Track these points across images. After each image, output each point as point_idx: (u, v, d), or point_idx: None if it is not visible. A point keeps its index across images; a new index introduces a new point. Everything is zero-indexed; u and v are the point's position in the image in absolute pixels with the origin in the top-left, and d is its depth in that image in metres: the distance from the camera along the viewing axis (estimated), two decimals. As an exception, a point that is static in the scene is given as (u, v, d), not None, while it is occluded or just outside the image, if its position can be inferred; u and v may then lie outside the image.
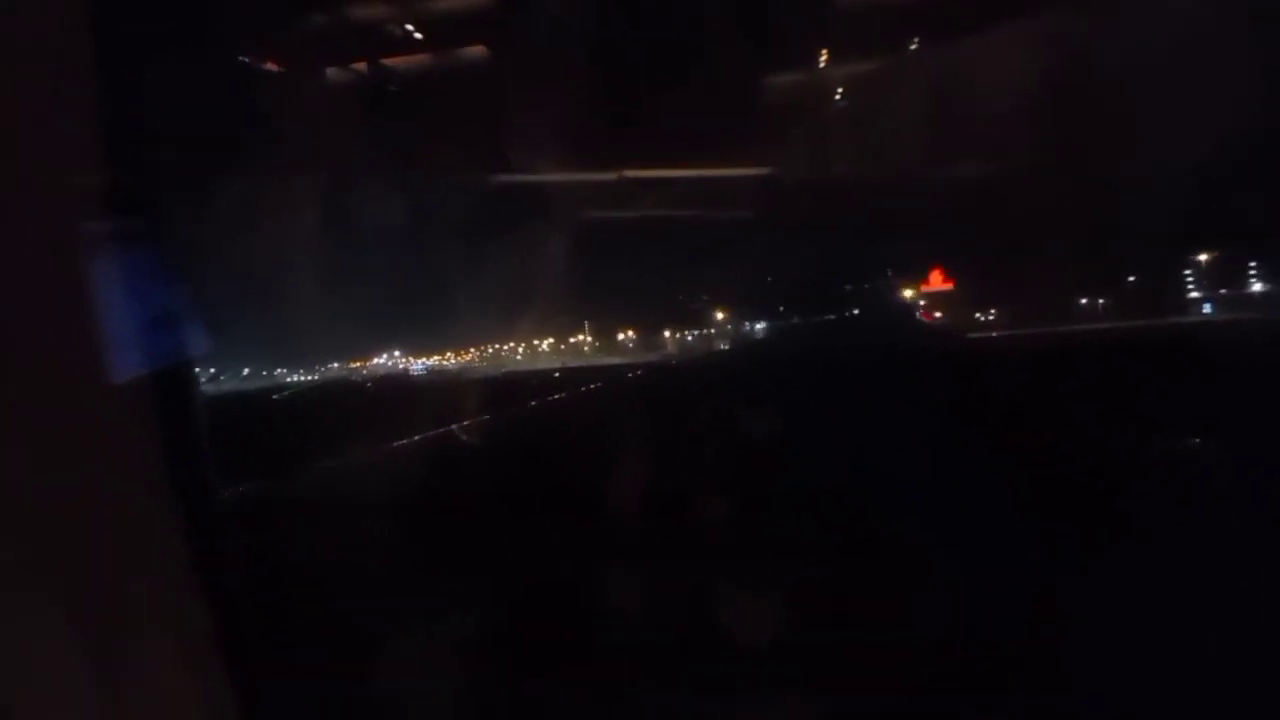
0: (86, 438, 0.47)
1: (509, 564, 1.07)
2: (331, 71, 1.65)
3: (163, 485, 0.49)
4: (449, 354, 4.13)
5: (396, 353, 3.79)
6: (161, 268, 0.57)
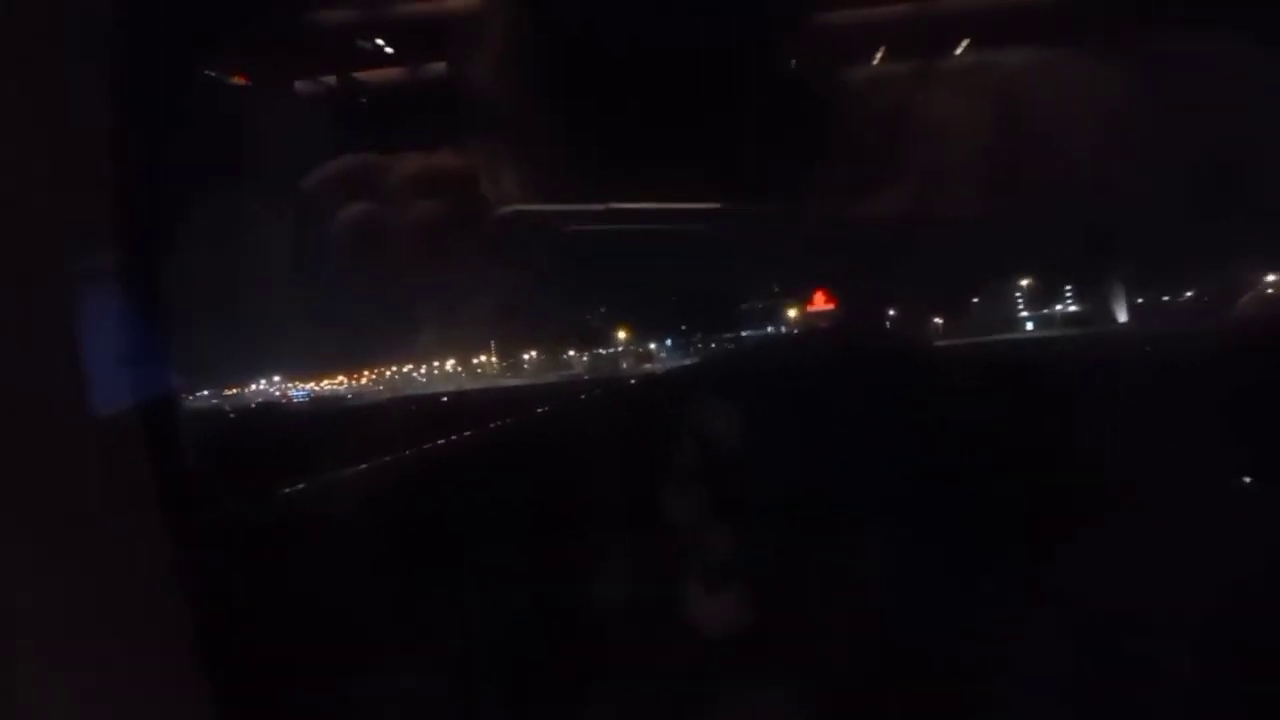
0: (74, 470, 0.52)
1: (493, 585, 1.07)
2: (294, 85, 1.51)
3: (149, 512, 0.54)
4: (340, 377, 3.72)
5: (276, 377, 3.32)
6: (143, 301, 0.60)
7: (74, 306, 0.52)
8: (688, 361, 3.29)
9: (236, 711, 0.59)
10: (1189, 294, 2.08)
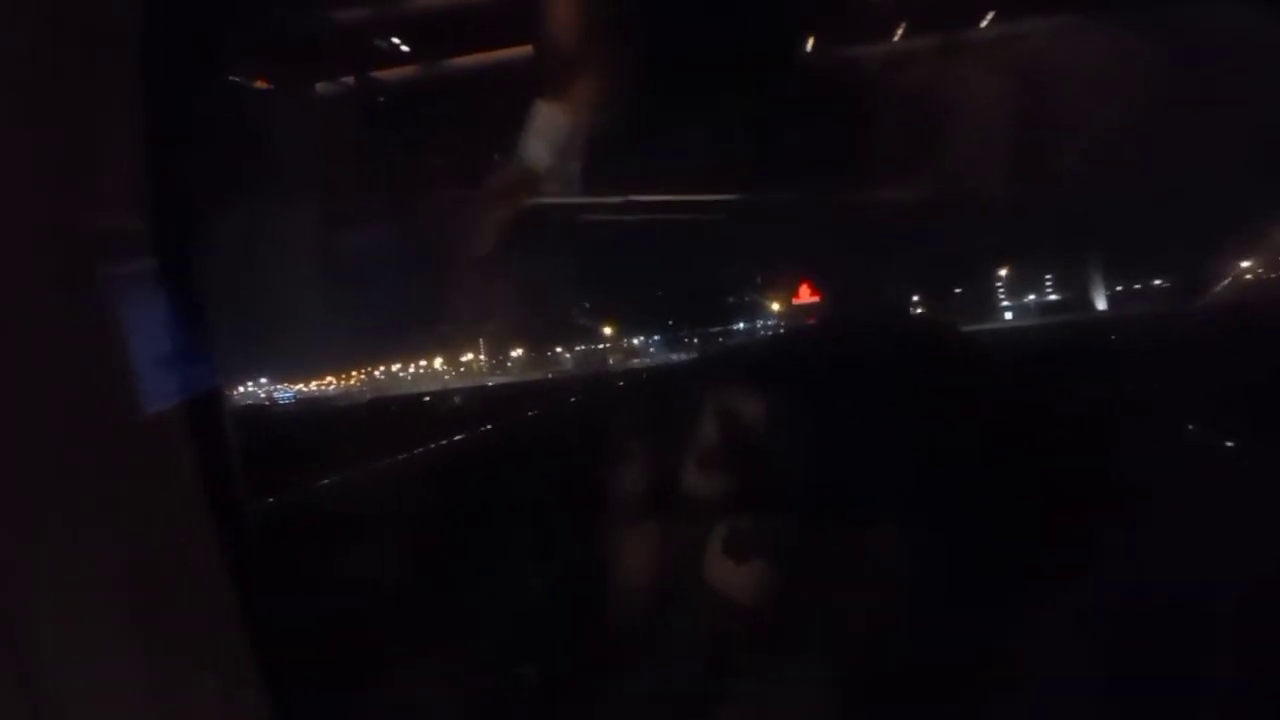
0: (128, 463, 0.53)
1: (538, 571, 1.08)
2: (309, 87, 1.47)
3: (198, 504, 0.55)
4: (329, 378, 3.58)
5: (263, 379, 3.18)
6: (186, 302, 0.62)
7: (117, 308, 0.52)
8: (677, 357, 3.21)
9: (293, 699, 0.60)
10: (1157, 282, 2.17)
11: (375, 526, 1.14)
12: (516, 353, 4.60)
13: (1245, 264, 1.71)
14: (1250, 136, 1.17)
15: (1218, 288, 1.69)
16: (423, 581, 1.02)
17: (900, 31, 1.47)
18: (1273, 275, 1.64)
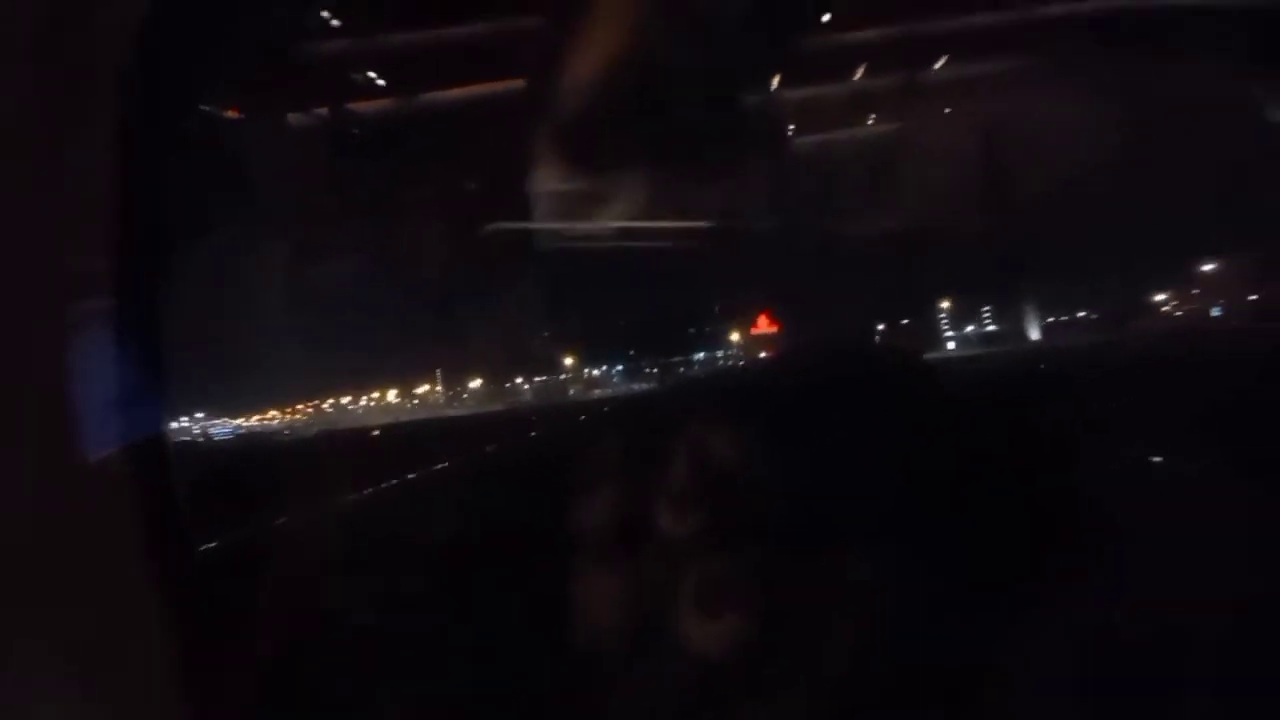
0: (73, 506, 0.51)
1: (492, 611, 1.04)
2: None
3: (141, 547, 0.53)
4: (272, 412, 3.29)
5: (199, 414, 2.89)
6: (138, 343, 0.60)
7: (72, 343, 0.49)
8: (638, 388, 3.21)
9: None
10: (1081, 314, 2.35)
11: (323, 571, 1.09)
12: (474, 384, 4.49)
13: (1162, 297, 1.87)
14: (1177, 180, 1.29)
15: (1139, 319, 1.84)
16: (370, 626, 0.98)
17: (858, 72, 1.57)
18: (1188, 308, 1.80)
